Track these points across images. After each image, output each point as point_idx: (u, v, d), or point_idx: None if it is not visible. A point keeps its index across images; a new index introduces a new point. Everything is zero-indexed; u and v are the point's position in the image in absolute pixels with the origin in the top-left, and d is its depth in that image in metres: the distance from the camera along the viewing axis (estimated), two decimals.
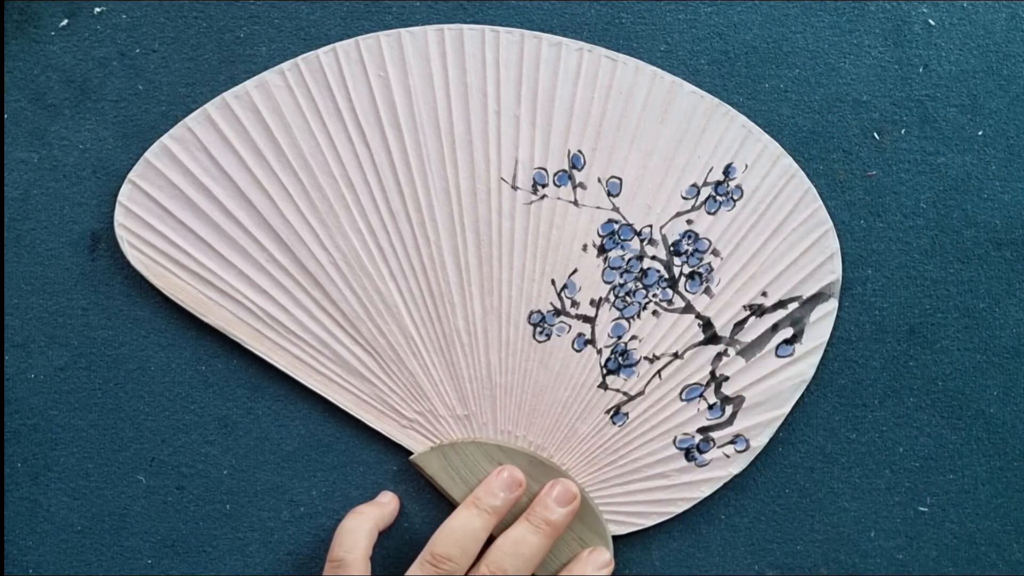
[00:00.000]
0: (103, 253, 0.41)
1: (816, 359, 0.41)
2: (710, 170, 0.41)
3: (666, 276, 0.41)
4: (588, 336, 0.41)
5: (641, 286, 0.41)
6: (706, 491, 0.41)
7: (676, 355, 0.41)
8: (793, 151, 0.41)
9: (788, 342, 0.41)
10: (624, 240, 0.41)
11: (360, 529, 0.38)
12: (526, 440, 0.41)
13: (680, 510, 0.41)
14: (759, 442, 0.41)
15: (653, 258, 0.41)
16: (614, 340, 0.41)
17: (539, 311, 0.41)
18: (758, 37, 0.42)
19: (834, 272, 0.41)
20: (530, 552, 0.38)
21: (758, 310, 0.41)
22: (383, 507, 0.40)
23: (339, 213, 0.41)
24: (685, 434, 0.41)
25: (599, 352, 0.41)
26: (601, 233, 0.41)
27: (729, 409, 0.41)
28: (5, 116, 0.41)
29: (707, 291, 0.41)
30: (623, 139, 0.41)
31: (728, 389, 0.41)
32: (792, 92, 0.42)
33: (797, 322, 0.41)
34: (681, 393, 0.41)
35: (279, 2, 0.42)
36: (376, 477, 0.42)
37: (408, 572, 0.37)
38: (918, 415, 0.42)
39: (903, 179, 0.42)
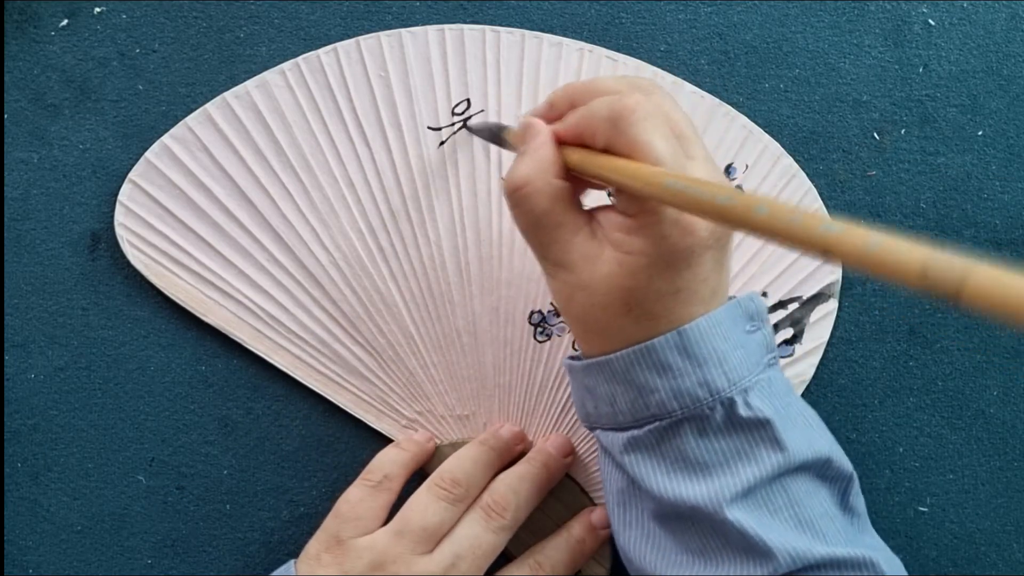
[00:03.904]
0: (103, 253, 0.41)
1: (816, 359, 0.41)
2: None
3: None
4: None
5: None
6: None
7: None
8: (793, 151, 0.41)
9: (788, 342, 0.41)
10: None
11: (399, 461, 0.39)
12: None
13: None
14: None
15: None
16: None
17: (539, 311, 0.41)
18: (758, 37, 0.42)
19: (834, 272, 0.41)
20: (530, 488, 0.38)
21: None
22: (422, 446, 0.40)
23: (339, 213, 0.41)
24: None
25: None
26: None
27: None
28: (5, 116, 0.41)
29: None
30: None
31: None
32: (792, 92, 0.42)
33: (797, 322, 0.41)
34: None
35: (279, 2, 0.42)
36: None
37: (416, 495, 0.37)
38: (918, 415, 0.42)
39: (903, 179, 0.42)
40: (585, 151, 0.31)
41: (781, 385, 0.33)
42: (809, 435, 0.32)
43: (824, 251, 0.21)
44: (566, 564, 0.39)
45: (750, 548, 0.30)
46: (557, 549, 0.39)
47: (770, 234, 0.22)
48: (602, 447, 0.34)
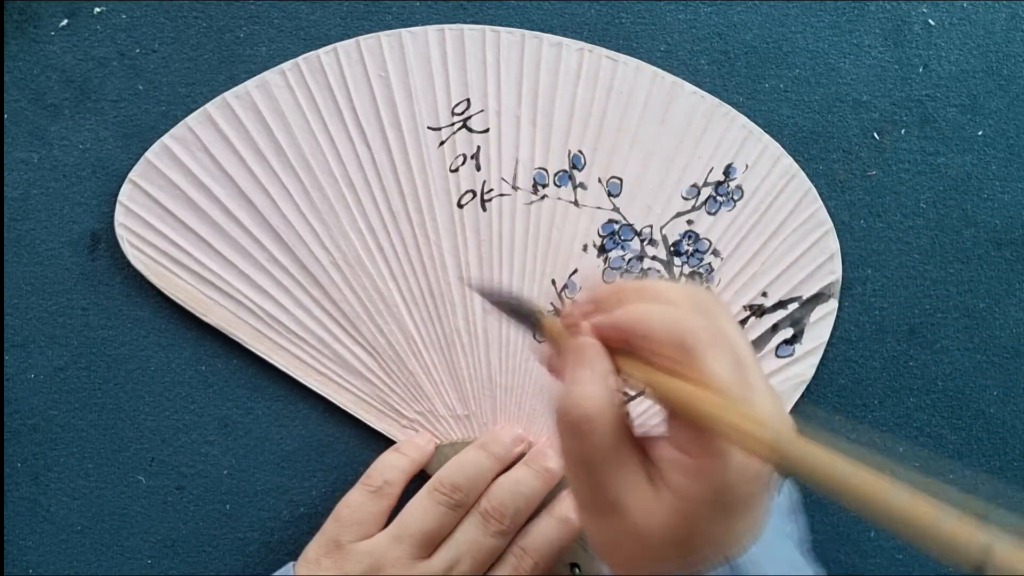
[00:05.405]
0: (103, 253, 0.41)
1: (816, 359, 0.41)
2: (710, 170, 0.41)
3: (666, 276, 0.41)
4: None
5: None
6: None
7: None
8: (793, 151, 0.41)
9: (788, 342, 0.41)
10: (624, 240, 0.41)
11: (399, 466, 0.38)
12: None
13: None
14: None
15: (653, 258, 0.41)
16: None
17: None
18: (758, 37, 0.42)
19: (834, 272, 0.41)
20: (529, 493, 0.38)
21: (758, 310, 0.41)
22: (422, 449, 0.40)
23: (339, 213, 0.41)
24: None
25: None
26: (601, 233, 0.41)
27: None
28: (5, 116, 0.41)
29: None
30: (624, 139, 0.41)
31: None
32: (792, 92, 0.42)
33: (797, 322, 0.41)
34: None
35: (279, 2, 0.42)
36: None
37: (415, 499, 0.37)
38: (918, 415, 0.42)
39: (903, 179, 0.42)
40: (655, 371, 0.27)
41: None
42: None
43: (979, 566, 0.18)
44: (552, 543, 0.38)
45: None
46: (540, 533, 0.38)
47: (903, 524, 0.20)
48: None
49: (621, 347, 0.28)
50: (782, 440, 0.23)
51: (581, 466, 0.28)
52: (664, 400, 0.27)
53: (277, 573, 0.36)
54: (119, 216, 0.40)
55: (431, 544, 0.36)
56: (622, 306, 0.28)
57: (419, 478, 0.39)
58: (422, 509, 0.36)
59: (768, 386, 0.28)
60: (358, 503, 0.37)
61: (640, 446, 0.28)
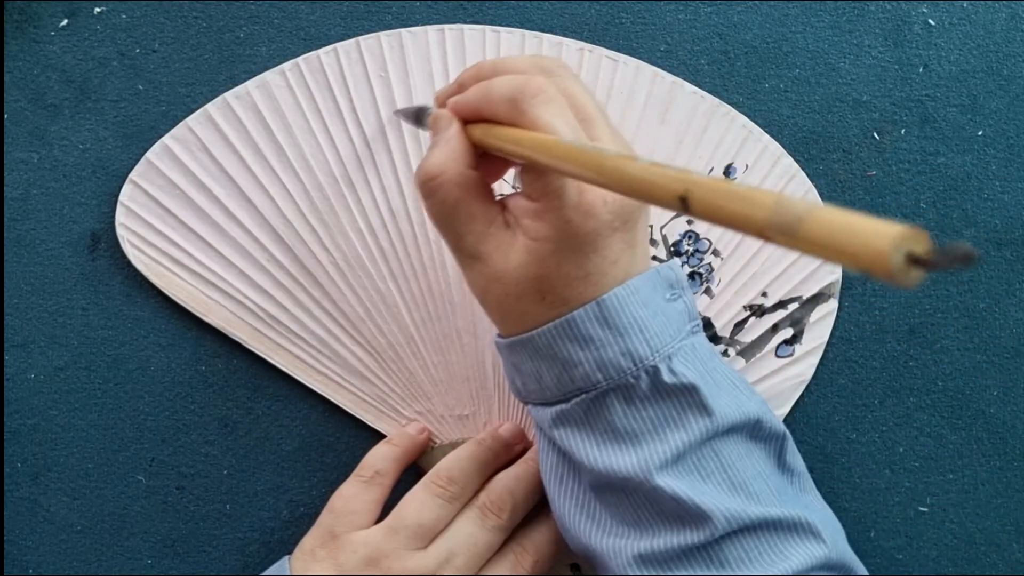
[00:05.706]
0: (103, 253, 0.41)
1: (816, 359, 0.41)
2: (711, 170, 0.41)
3: None
4: None
5: None
6: None
7: None
8: (793, 151, 0.41)
9: (788, 342, 0.41)
10: None
11: (390, 456, 0.39)
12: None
13: None
14: None
15: (654, 258, 0.41)
16: None
17: None
18: (758, 37, 0.42)
19: (834, 272, 0.41)
20: (528, 488, 0.38)
21: (758, 310, 0.41)
22: (414, 439, 0.40)
23: (339, 213, 0.41)
24: None
25: None
26: None
27: None
28: (5, 116, 0.41)
29: (707, 291, 0.41)
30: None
31: None
32: (792, 92, 0.42)
33: (797, 322, 0.41)
34: None
35: (279, 2, 0.42)
36: None
37: (411, 492, 0.37)
38: (918, 415, 0.42)
39: (903, 179, 0.42)
40: (487, 125, 0.31)
41: (705, 350, 0.33)
42: (737, 397, 0.32)
43: (682, 198, 0.21)
44: (549, 542, 0.38)
45: (684, 513, 0.30)
46: (539, 531, 0.38)
47: (637, 185, 0.23)
48: (535, 422, 0.35)
49: (476, 119, 0.31)
50: (569, 144, 0.26)
51: (439, 222, 0.32)
52: (501, 150, 0.30)
53: (271, 569, 0.36)
54: (120, 216, 0.40)
55: (427, 536, 0.36)
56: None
57: (417, 476, 0.39)
58: (418, 501, 0.36)
59: (618, 141, 0.31)
60: (351, 493, 0.37)
61: (500, 204, 0.32)
